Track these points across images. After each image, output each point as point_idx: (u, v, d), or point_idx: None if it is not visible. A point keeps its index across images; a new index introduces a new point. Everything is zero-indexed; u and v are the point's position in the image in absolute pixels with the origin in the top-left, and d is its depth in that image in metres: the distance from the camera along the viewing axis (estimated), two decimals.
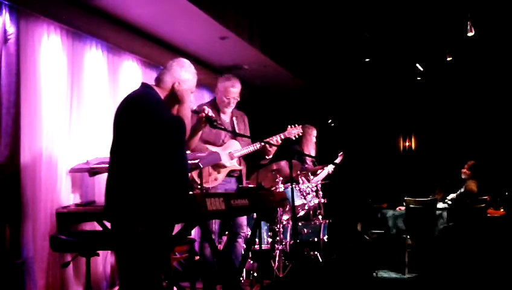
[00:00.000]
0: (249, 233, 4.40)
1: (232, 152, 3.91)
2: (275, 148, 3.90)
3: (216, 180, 3.86)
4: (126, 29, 4.58)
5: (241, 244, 4.05)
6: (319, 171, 5.54)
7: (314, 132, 5.79)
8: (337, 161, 5.75)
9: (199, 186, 3.72)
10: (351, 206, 7.19)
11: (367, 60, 6.88)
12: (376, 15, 6.09)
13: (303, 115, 7.45)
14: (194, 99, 2.93)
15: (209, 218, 3.49)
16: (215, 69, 6.09)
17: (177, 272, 4.69)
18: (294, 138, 4.18)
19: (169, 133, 2.55)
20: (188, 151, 3.08)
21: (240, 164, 3.97)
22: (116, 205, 2.55)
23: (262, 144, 3.86)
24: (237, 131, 3.96)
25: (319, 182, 5.24)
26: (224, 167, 3.83)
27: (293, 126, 4.18)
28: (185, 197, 2.44)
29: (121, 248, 2.60)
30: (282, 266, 4.61)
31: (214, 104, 3.98)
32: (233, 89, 3.92)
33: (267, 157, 3.98)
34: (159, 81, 2.76)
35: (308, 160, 5.66)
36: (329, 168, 5.54)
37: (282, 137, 4.04)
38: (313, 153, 5.69)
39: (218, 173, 3.87)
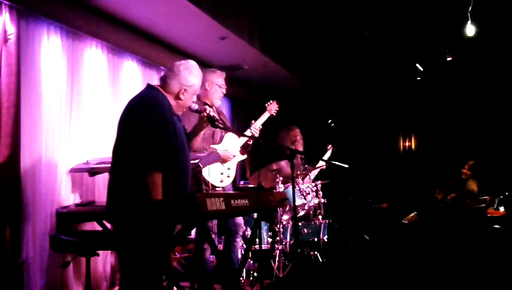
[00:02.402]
0: (249, 233, 4.41)
1: (235, 144, 4.00)
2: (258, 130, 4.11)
3: (229, 177, 3.93)
4: (126, 29, 4.58)
5: (239, 243, 4.09)
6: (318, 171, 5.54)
7: (297, 131, 5.78)
8: (326, 156, 5.76)
9: (216, 187, 3.81)
10: (351, 206, 7.19)
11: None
12: (376, 15, 6.09)
13: (303, 115, 7.47)
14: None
15: (209, 218, 3.50)
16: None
17: (177, 272, 4.69)
18: (274, 113, 4.38)
19: (150, 139, 2.49)
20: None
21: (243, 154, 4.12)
22: (117, 206, 2.55)
23: (252, 129, 4.08)
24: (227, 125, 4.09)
25: (318, 182, 5.23)
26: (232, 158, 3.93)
27: (269, 103, 4.40)
28: (184, 197, 2.45)
29: (122, 248, 2.60)
30: (282, 266, 4.61)
31: (201, 102, 3.87)
32: (223, 78, 4.02)
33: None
34: (165, 83, 2.74)
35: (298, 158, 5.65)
36: (319, 164, 5.54)
37: (267, 115, 4.28)
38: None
39: (229, 169, 3.93)
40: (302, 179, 5.22)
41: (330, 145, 5.90)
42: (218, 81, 3.95)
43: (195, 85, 2.77)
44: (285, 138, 5.68)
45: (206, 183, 3.75)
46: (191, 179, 2.81)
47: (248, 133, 4.06)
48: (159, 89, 2.72)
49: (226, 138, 3.98)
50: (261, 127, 4.15)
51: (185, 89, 2.72)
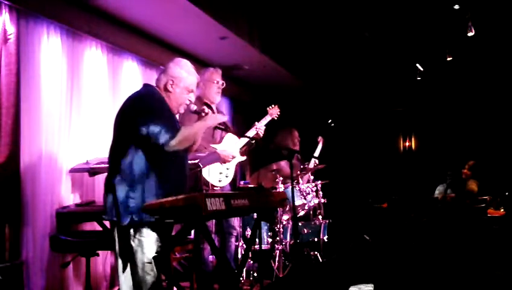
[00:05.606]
0: (249, 233, 4.42)
1: (235, 145, 4.00)
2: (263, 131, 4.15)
3: (228, 177, 3.94)
4: (126, 29, 4.58)
5: (234, 243, 4.14)
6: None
7: (296, 133, 5.82)
8: (317, 151, 5.74)
9: (215, 186, 3.82)
10: (351, 206, 7.18)
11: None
12: (376, 15, 6.09)
13: (303, 115, 7.47)
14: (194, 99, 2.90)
15: (209, 218, 3.49)
16: None
17: (177, 272, 4.68)
18: (276, 118, 4.39)
19: (146, 137, 2.49)
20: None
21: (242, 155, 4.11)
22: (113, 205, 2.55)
23: (257, 129, 4.10)
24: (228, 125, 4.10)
25: (318, 182, 5.22)
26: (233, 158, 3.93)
27: (271, 107, 4.41)
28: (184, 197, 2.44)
29: (120, 247, 2.60)
30: (282, 266, 4.61)
31: (201, 102, 3.91)
32: (219, 74, 4.08)
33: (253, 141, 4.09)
34: (157, 80, 2.79)
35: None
36: (312, 161, 5.55)
37: (269, 119, 4.31)
38: None
39: (228, 169, 3.94)
40: (301, 178, 5.21)
41: (320, 137, 5.88)
42: (211, 78, 4.02)
43: (183, 78, 2.74)
44: (288, 139, 5.70)
45: (206, 182, 3.76)
46: (191, 179, 2.81)
47: (251, 133, 4.08)
48: (155, 87, 2.74)
49: (226, 138, 3.99)
50: (264, 127, 4.19)
51: (172, 81, 2.72)
